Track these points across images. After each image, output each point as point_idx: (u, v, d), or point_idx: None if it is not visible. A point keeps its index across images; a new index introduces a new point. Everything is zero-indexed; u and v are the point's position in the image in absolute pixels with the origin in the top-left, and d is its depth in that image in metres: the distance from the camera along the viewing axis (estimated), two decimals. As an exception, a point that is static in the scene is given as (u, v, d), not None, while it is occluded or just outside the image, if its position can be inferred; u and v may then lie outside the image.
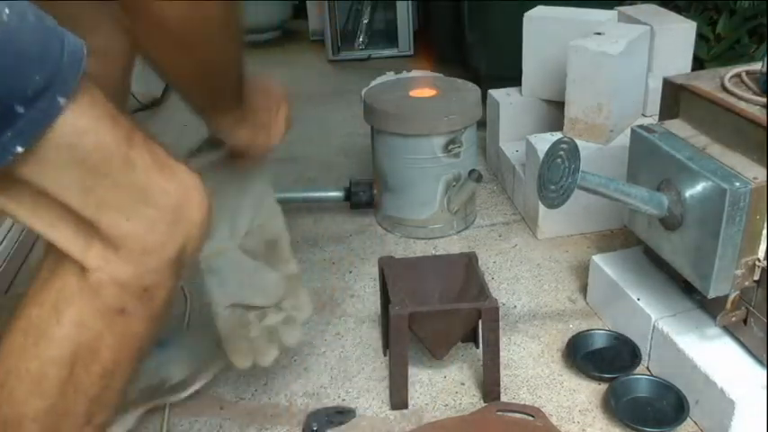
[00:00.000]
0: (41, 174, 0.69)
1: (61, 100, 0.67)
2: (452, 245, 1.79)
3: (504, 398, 1.31)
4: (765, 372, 1.18)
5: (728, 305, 1.18)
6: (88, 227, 0.72)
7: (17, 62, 0.64)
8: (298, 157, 2.17)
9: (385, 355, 1.42)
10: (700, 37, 1.97)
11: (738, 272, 1.14)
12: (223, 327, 1.18)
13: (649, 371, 1.35)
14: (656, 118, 1.39)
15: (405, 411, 1.29)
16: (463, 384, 1.35)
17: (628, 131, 1.34)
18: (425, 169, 1.75)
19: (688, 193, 1.15)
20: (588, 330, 1.44)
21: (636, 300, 1.37)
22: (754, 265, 1.15)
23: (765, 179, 1.10)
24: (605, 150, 1.67)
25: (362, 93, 1.98)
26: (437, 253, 1.74)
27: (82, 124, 0.69)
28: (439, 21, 2.95)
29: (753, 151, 1.14)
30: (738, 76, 1.26)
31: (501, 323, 1.27)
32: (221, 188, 1.07)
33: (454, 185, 1.77)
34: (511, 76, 2.02)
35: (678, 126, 1.27)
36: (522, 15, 1.90)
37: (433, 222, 1.81)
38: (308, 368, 1.39)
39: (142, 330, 0.79)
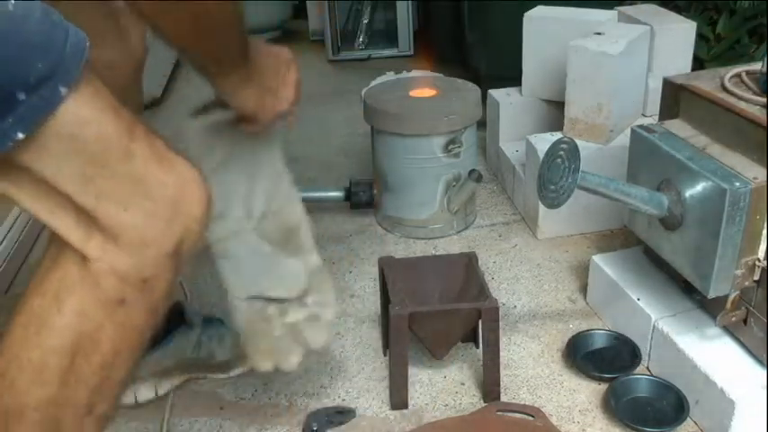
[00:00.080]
0: (42, 162, 0.70)
1: (63, 89, 0.68)
2: (452, 245, 1.79)
3: (504, 398, 1.31)
4: (765, 372, 1.18)
5: (728, 305, 1.18)
6: (88, 217, 0.73)
7: (20, 50, 0.65)
8: (298, 157, 2.17)
9: (385, 355, 1.42)
10: (700, 37, 1.97)
11: (738, 272, 1.14)
12: (242, 321, 1.13)
13: (649, 371, 1.35)
14: (656, 118, 1.39)
15: (405, 411, 1.29)
16: (463, 384, 1.35)
17: (628, 131, 1.35)
18: (425, 169, 1.75)
19: (688, 193, 1.15)
20: (588, 330, 1.44)
21: (636, 300, 1.37)
22: (754, 265, 1.15)
23: (765, 179, 1.10)
24: (605, 150, 1.67)
25: (362, 93, 1.98)
26: (437, 253, 1.74)
27: (84, 114, 0.70)
28: (439, 21, 2.95)
29: (753, 151, 1.14)
30: (738, 76, 1.26)
31: (501, 323, 1.27)
32: (232, 160, 1.04)
33: (454, 185, 1.77)
34: (511, 76, 2.02)
35: (678, 126, 1.27)
36: (522, 15, 1.90)
37: (433, 222, 1.81)
38: (308, 368, 1.39)
39: (142, 322, 0.79)
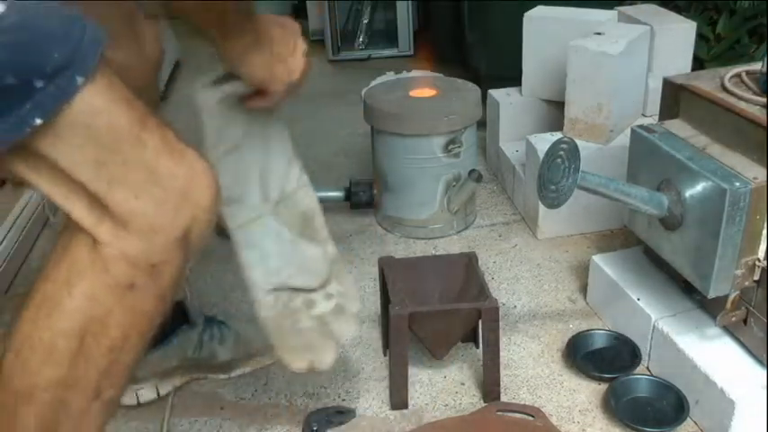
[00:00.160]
0: (57, 149, 0.72)
1: (79, 79, 0.70)
2: (452, 245, 1.79)
3: (504, 398, 1.31)
4: (765, 372, 1.18)
5: (728, 305, 1.18)
6: (100, 203, 0.75)
7: (38, 39, 0.68)
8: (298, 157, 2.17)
9: (385, 355, 1.42)
10: (700, 37, 1.97)
11: (738, 272, 1.14)
12: (268, 317, 1.09)
13: (649, 371, 1.35)
14: (656, 118, 1.39)
15: (405, 411, 1.29)
16: (463, 384, 1.35)
17: (628, 131, 1.35)
18: (425, 169, 1.75)
19: (688, 193, 1.15)
20: (588, 330, 1.44)
21: (636, 300, 1.37)
22: (754, 265, 1.15)
23: (765, 179, 1.10)
24: (605, 150, 1.67)
25: (362, 93, 1.98)
26: (437, 253, 1.74)
27: (98, 104, 0.72)
28: (439, 21, 2.95)
29: (753, 151, 1.14)
30: (738, 76, 1.26)
31: (501, 323, 1.27)
32: (246, 140, 1.04)
33: (454, 185, 1.77)
34: (511, 76, 2.02)
35: (678, 126, 1.27)
36: (522, 15, 1.90)
37: (433, 222, 1.81)
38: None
39: (151, 307, 0.81)
